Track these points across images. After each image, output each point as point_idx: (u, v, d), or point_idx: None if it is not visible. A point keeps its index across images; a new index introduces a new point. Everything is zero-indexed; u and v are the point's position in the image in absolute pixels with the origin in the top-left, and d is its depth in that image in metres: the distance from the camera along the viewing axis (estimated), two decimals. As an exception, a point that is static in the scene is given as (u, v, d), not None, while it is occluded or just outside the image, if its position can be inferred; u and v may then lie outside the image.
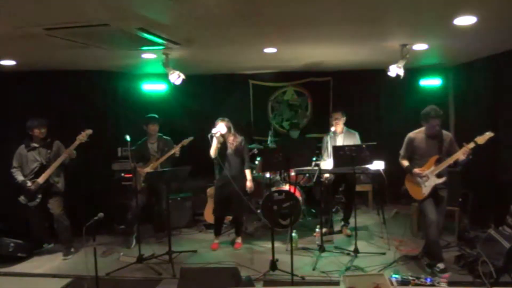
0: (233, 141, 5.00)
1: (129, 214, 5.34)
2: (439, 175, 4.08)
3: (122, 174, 5.95)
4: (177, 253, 4.84)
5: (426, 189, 4.13)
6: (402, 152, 4.40)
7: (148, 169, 5.13)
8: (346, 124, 5.41)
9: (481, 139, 3.81)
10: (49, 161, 4.88)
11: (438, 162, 4.08)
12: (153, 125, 5.35)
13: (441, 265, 4.09)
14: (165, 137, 5.49)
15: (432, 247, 4.18)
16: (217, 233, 5.32)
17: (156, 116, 5.43)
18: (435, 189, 4.13)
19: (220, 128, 4.87)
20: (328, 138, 5.32)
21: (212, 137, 4.84)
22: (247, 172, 5.11)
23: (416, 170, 4.16)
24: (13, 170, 4.89)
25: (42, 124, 4.88)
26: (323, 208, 5.67)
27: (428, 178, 4.11)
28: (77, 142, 4.83)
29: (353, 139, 5.27)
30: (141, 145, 5.38)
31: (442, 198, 4.17)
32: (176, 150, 5.18)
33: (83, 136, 4.83)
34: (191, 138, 5.21)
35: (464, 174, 5.16)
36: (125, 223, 5.49)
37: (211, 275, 3.53)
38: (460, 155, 3.93)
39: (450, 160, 4.02)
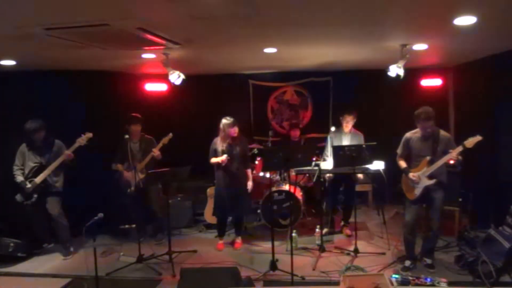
0: (240, 142, 5.03)
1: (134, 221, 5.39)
2: (430, 176, 4.10)
3: (122, 174, 5.94)
4: (177, 253, 4.85)
5: (418, 190, 4.19)
6: (399, 151, 4.45)
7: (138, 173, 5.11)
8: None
9: (470, 143, 3.87)
10: (49, 161, 4.88)
11: (431, 163, 4.10)
12: (136, 126, 5.26)
13: (406, 262, 4.33)
14: (147, 136, 5.42)
15: (404, 244, 4.45)
16: (222, 235, 5.33)
17: (139, 116, 5.35)
18: (427, 190, 4.16)
19: (233, 133, 4.93)
20: (329, 137, 5.34)
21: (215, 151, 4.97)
22: (248, 172, 5.14)
23: (411, 175, 4.20)
24: (15, 168, 4.90)
25: (38, 128, 4.82)
26: (323, 208, 5.68)
27: (420, 179, 4.14)
28: (76, 145, 4.83)
29: (359, 141, 5.28)
30: (123, 146, 5.23)
31: (434, 199, 4.19)
32: (156, 151, 5.11)
33: (83, 139, 4.83)
34: (170, 135, 5.12)
35: (464, 174, 5.17)
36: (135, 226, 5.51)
37: (211, 275, 3.54)
38: (448, 158, 3.99)
39: (440, 163, 4.04)
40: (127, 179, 5.26)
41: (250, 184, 5.15)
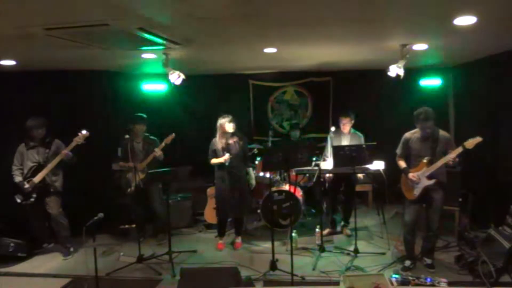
0: (238, 141, 5.02)
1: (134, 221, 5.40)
2: (430, 177, 4.10)
3: (122, 174, 5.95)
4: (177, 253, 4.85)
5: (417, 190, 4.19)
6: (398, 151, 4.45)
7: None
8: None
9: (470, 144, 3.87)
10: (47, 160, 4.88)
11: (430, 163, 4.10)
12: (140, 125, 5.30)
13: (406, 262, 4.38)
14: (151, 137, 5.44)
15: (404, 243, 4.47)
16: (222, 235, 5.33)
17: (144, 115, 5.39)
18: (426, 190, 4.16)
19: (230, 128, 4.92)
20: (329, 138, 5.34)
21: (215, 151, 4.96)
22: (250, 171, 5.14)
23: (411, 175, 4.20)
24: (14, 168, 4.91)
25: (39, 125, 4.88)
26: (323, 208, 5.68)
27: (420, 180, 4.14)
28: (73, 144, 4.82)
29: (359, 141, 5.27)
30: (126, 145, 5.22)
31: (433, 199, 4.19)
32: (158, 151, 5.11)
33: (80, 138, 4.81)
34: (172, 135, 5.14)
35: (464, 174, 5.17)
36: (136, 227, 5.50)
37: (211, 275, 3.53)
38: (446, 161, 3.99)
39: (439, 163, 4.04)
40: (128, 179, 5.25)
41: (253, 184, 5.17)
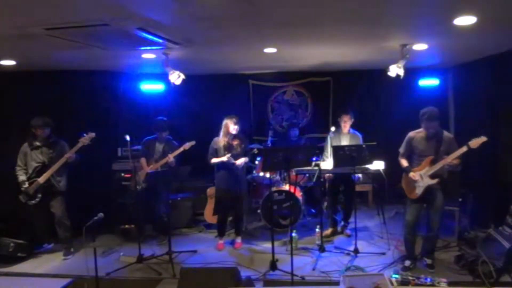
0: (240, 144, 5.03)
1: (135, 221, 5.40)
2: (433, 176, 4.10)
3: (122, 174, 5.95)
4: (177, 253, 4.85)
5: (419, 189, 4.19)
6: (401, 150, 4.44)
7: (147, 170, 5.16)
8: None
9: (474, 143, 3.86)
10: (51, 161, 4.88)
11: (433, 163, 4.10)
12: (161, 133, 5.35)
13: (406, 262, 4.35)
14: (174, 142, 5.45)
15: (404, 243, 4.47)
16: (222, 234, 5.33)
17: (164, 119, 5.41)
18: (428, 190, 4.15)
19: (233, 130, 4.93)
20: (328, 137, 5.34)
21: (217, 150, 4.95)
22: (244, 158, 5.07)
23: (411, 174, 4.20)
24: (17, 168, 4.91)
25: (46, 124, 4.88)
26: (323, 208, 5.67)
27: (422, 179, 4.13)
28: (79, 145, 4.82)
29: (358, 141, 5.27)
30: (150, 141, 5.40)
31: (435, 199, 4.19)
32: (170, 157, 5.07)
33: (86, 139, 4.82)
34: (192, 142, 5.14)
35: (464, 174, 5.16)
36: (135, 226, 5.50)
37: (211, 275, 3.53)
38: (451, 159, 3.99)
39: (442, 163, 4.04)
40: (139, 177, 5.26)
41: (236, 162, 4.95)
